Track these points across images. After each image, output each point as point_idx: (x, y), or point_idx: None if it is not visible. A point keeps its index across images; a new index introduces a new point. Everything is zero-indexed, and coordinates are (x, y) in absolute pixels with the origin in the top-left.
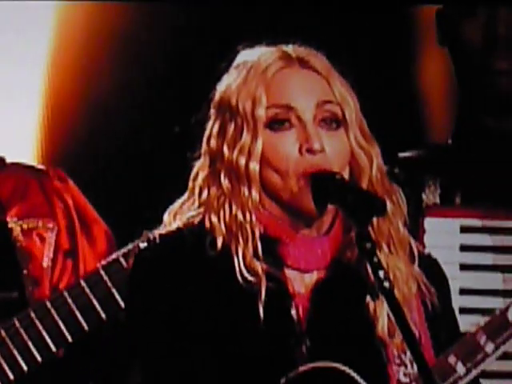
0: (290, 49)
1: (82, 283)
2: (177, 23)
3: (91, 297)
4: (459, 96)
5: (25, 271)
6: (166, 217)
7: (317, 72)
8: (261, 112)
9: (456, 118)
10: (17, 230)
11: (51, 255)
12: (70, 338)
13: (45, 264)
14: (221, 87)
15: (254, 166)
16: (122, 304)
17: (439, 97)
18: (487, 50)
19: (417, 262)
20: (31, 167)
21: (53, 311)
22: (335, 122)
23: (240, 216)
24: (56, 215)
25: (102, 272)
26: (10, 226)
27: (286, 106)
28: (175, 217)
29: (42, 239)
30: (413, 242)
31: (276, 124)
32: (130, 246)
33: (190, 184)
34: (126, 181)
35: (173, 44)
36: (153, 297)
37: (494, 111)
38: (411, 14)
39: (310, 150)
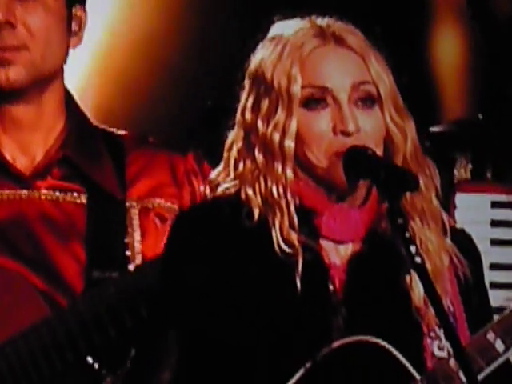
0: (324, 23)
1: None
2: None
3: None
4: (489, 71)
5: (131, 251)
6: (201, 188)
7: (352, 50)
8: (296, 90)
9: (486, 93)
10: (134, 210)
11: None
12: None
13: (161, 245)
14: (256, 59)
15: (289, 144)
16: None
17: (455, 74)
18: None
19: (449, 235)
20: (170, 147)
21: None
22: (370, 100)
23: (275, 191)
24: (182, 197)
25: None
26: (127, 204)
27: (322, 87)
28: (211, 188)
29: (163, 219)
30: (445, 215)
31: (311, 103)
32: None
33: (225, 154)
34: None
35: (207, 16)
36: (189, 264)
37: None
38: None
39: (345, 132)
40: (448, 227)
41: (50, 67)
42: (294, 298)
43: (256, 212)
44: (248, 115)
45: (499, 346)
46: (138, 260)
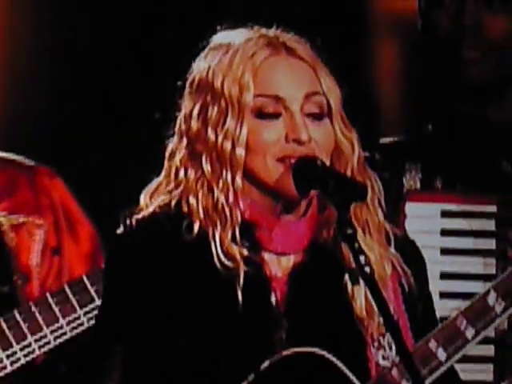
0: (271, 34)
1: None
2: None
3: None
4: (436, 84)
5: (13, 266)
6: (142, 198)
7: (304, 61)
8: (248, 98)
9: (434, 104)
10: (6, 225)
11: (40, 251)
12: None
13: (33, 260)
14: (200, 67)
15: (241, 153)
16: None
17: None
18: (457, 40)
19: (393, 244)
20: (21, 163)
21: (37, 313)
22: (321, 112)
23: (222, 200)
24: (43, 212)
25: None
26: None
27: (274, 97)
28: (151, 198)
29: (31, 235)
30: (387, 224)
31: (263, 112)
32: None
33: (166, 164)
34: (102, 161)
35: (148, 25)
36: (129, 284)
37: (470, 99)
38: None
39: (297, 141)
40: (392, 236)
41: None
42: (236, 312)
43: (197, 225)
44: (194, 124)
45: (441, 354)
46: (21, 275)
